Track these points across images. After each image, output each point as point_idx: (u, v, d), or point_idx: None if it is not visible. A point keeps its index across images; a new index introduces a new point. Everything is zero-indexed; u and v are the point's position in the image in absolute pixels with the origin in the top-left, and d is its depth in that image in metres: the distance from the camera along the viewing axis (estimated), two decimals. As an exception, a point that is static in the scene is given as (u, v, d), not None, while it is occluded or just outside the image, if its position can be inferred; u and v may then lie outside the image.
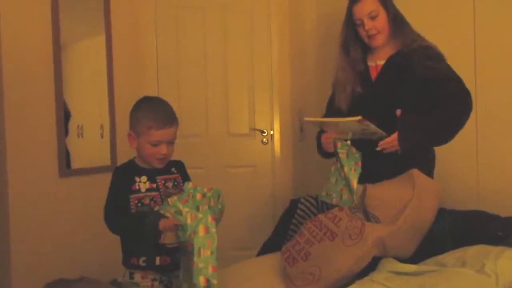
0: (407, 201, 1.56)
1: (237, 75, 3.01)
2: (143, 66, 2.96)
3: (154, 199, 1.60)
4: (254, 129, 3.00)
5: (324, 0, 2.92)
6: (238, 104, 3.01)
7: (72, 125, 2.58)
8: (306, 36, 3.05)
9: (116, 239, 1.62)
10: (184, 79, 3.01)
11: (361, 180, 1.77)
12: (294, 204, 2.07)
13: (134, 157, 1.67)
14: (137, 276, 1.59)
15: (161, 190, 1.62)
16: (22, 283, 2.27)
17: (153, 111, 1.59)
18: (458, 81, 1.86)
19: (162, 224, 1.42)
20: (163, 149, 1.57)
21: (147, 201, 1.58)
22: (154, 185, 1.61)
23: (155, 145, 1.56)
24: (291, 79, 3.01)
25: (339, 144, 1.81)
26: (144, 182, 1.60)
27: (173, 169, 1.68)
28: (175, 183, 1.66)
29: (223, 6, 3.00)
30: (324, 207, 2.00)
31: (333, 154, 1.87)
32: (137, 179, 1.60)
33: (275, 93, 2.99)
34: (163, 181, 1.63)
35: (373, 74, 1.96)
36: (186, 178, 1.71)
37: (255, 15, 3.00)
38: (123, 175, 1.61)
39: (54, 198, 2.44)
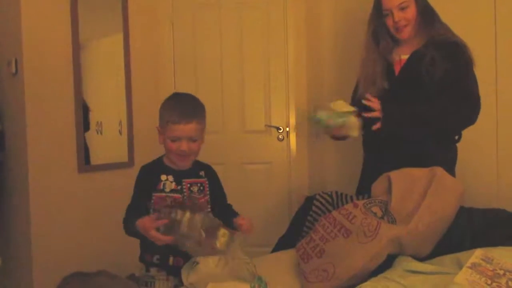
0: (421, 199, 1.54)
1: (253, 72, 3.01)
2: (160, 64, 2.99)
3: (177, 200, 1.56)
4: (270, 126, 3.00)
5: (341, -4, 2.90)
6: (254, 101, 3.01)
7: (92, 122, 2.62)
8: (323, 32, 3.03)
9: (133, 235, 1.63)
10: (201, 76, 3.02)
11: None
12: (309, 201, 2.06)
13: (163, 155, 1.64)
14: (153, 270, 1.60)
15: (185, 193, 1.57)
16: (42, 276, 2.32)
17: (173, 105, 1.56)
18: (470, 86, 1.82)
19: (140, 224, 1.41)
20: (182, 145, 1.52)
21: (168, 202, 1.56)
22: (179, 187, 1.57)
23: (174, 140, 1.53)
24: (307, 76, 2.99)
25: None
26: (171, 182, 1.57)
27: (201, 173, 1.64)
28: (201, 188, 1.62)
29: (239, 3, 3.00)
30: (340, 204, 1.99)
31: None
32: (163, 177, 1.57)
33: (291, 89, 2.98)
34: (188, 185, 1.59)
35: (397, 68, 1.91)
36: (215, 184, 1.67)
37: (272, 12, 2.99)
38: (148, 174, 1.58)
39: (73, 193, 2.48)
